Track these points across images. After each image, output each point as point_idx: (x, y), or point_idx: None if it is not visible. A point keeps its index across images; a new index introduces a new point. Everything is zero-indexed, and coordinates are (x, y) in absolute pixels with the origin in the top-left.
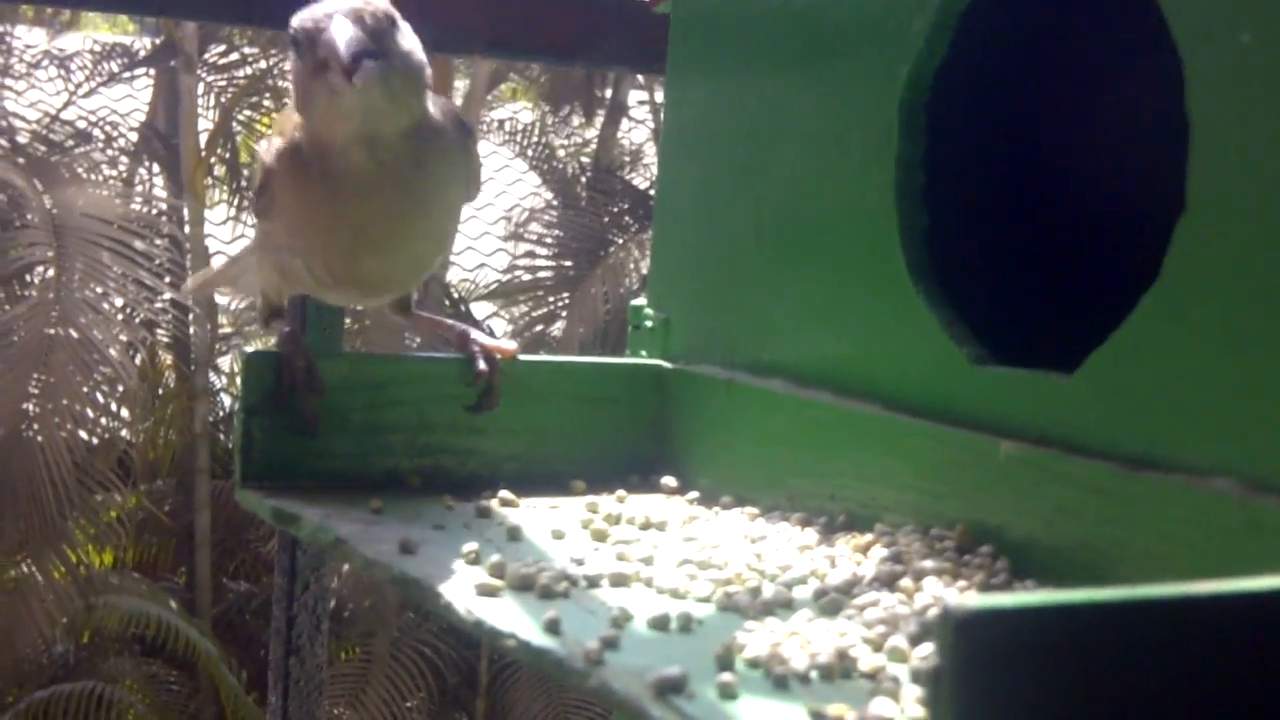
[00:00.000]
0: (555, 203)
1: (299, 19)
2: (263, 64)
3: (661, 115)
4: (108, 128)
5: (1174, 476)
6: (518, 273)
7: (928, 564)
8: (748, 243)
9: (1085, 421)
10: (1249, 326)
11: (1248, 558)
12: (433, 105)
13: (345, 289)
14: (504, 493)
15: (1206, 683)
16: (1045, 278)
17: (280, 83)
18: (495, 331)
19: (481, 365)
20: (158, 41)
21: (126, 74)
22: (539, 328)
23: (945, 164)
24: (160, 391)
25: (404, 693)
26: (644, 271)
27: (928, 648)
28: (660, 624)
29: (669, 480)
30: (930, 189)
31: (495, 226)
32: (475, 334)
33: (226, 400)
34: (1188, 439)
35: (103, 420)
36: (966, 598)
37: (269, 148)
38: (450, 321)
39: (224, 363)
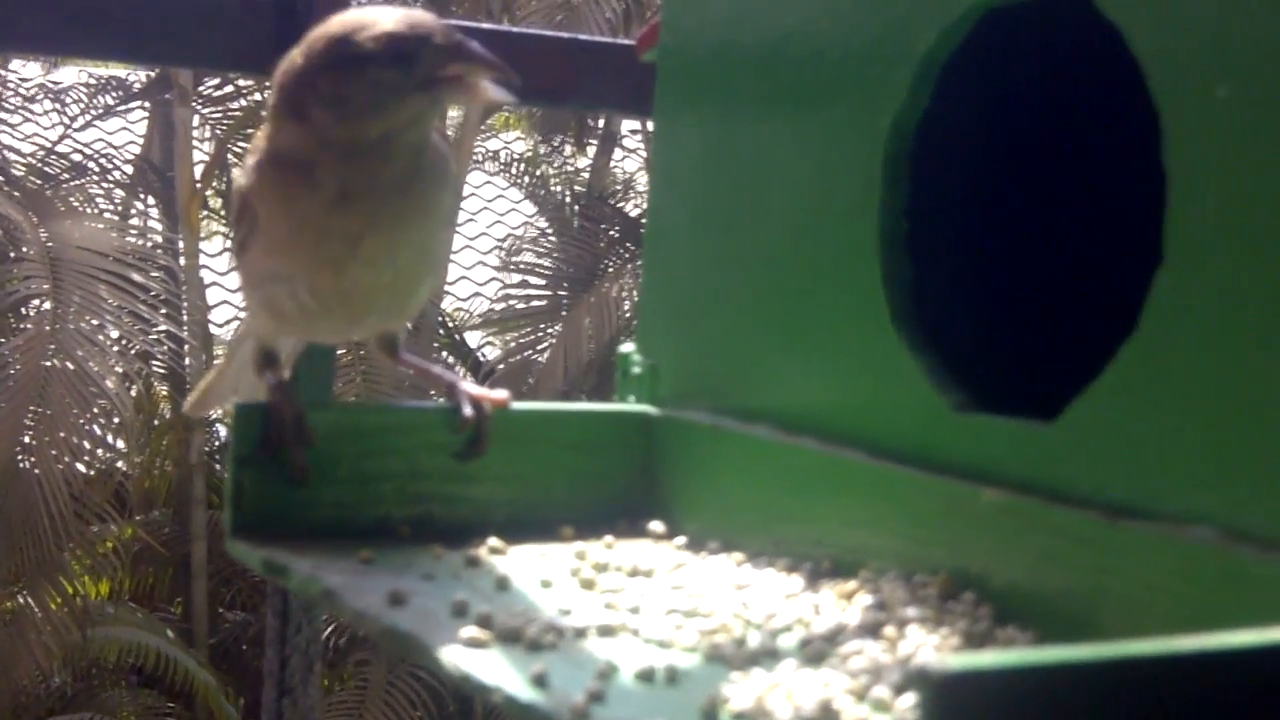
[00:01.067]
0: (548, 231)
1: (384, 32)
2: (257, 96)
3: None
4: (103, 161)
5: (1154, 525)
6: (511, 301)
7: (911, 611)
8: (735, 289)
9: (1067, 469)
10: (1226, 376)
11: (1227, 606)
12: None
13: (332, 314)
14: (493, 540)
15: None
16: (1027, 326)
17: None
18: (488, 360)
19: (468, 411)
20: (152, 75)
21: (121, 107)
22: (528, 353)
23: (929, 212)
24: (156, 423)
25: (402, 719)
26: (635, 299)
27: (910, 698)
28: (646, 676)
29: (657, 525)
30: (914, 237)
31: (489, 255)
32: (463, 384)
33: (222, 431)
34: (1168, 487)
35: (99, 451)
36: (943, 656)
37: (245, 170)
38: (438, 370)
39: None
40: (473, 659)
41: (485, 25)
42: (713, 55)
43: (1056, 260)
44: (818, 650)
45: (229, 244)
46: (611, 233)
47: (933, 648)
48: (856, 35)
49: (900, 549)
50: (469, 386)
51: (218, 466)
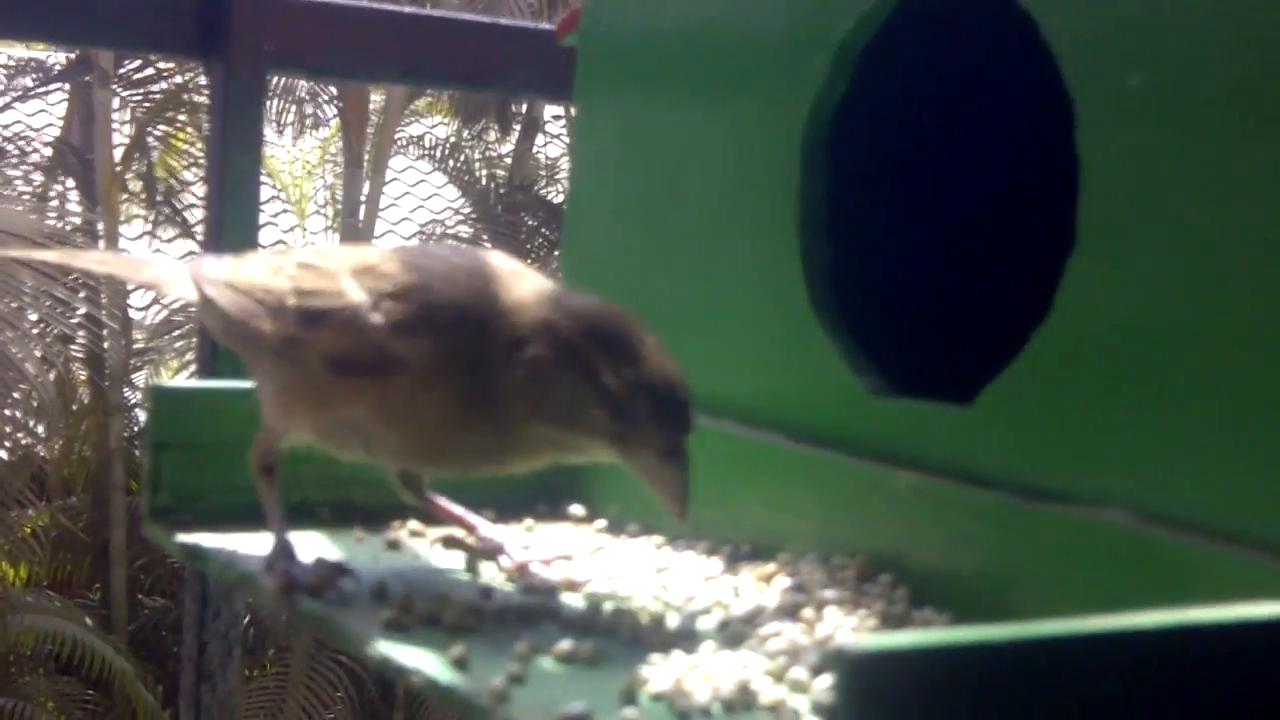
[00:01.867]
0: (472, 216)
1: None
2: (178, 79)
3: None
4: (22, 143)
5: (1068, 507)
6: None
7: (828, 593)
8: (655, 274)
9: (982, 453)
10: (1139, 359)
11: (1139, 587)
12: None
13: (408, 466)
14: (413, 524)
15: (1099, 716)
16: (946, 311)
17: (196, 98)
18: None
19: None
20: (72, 57)
21: (41, 89)
22: None
23: (848, 198)
24: (75, 407)
25: (324, 703)
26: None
27: (828, 679)
28: (566, 658)
29: (577, 509)
30: (832, 222)
31: (411, 241)
32: (512, 548)
33: (141, 416)
34: (1081, 470)
35: (18, 436)
36: (859, 636)
37: (396, 328)
38: (475, 519)
39: (139, 378)
40: (393, 642)
41: (407, 9)
42: (633, 41)
43: (975, 245)
44: (736, 632)
45: (149, 226)
46: (534, 220)
47: (850, 629)
48: (775, 21)
49: (818, 532)
50: (517, 552)
51: (137, 452)
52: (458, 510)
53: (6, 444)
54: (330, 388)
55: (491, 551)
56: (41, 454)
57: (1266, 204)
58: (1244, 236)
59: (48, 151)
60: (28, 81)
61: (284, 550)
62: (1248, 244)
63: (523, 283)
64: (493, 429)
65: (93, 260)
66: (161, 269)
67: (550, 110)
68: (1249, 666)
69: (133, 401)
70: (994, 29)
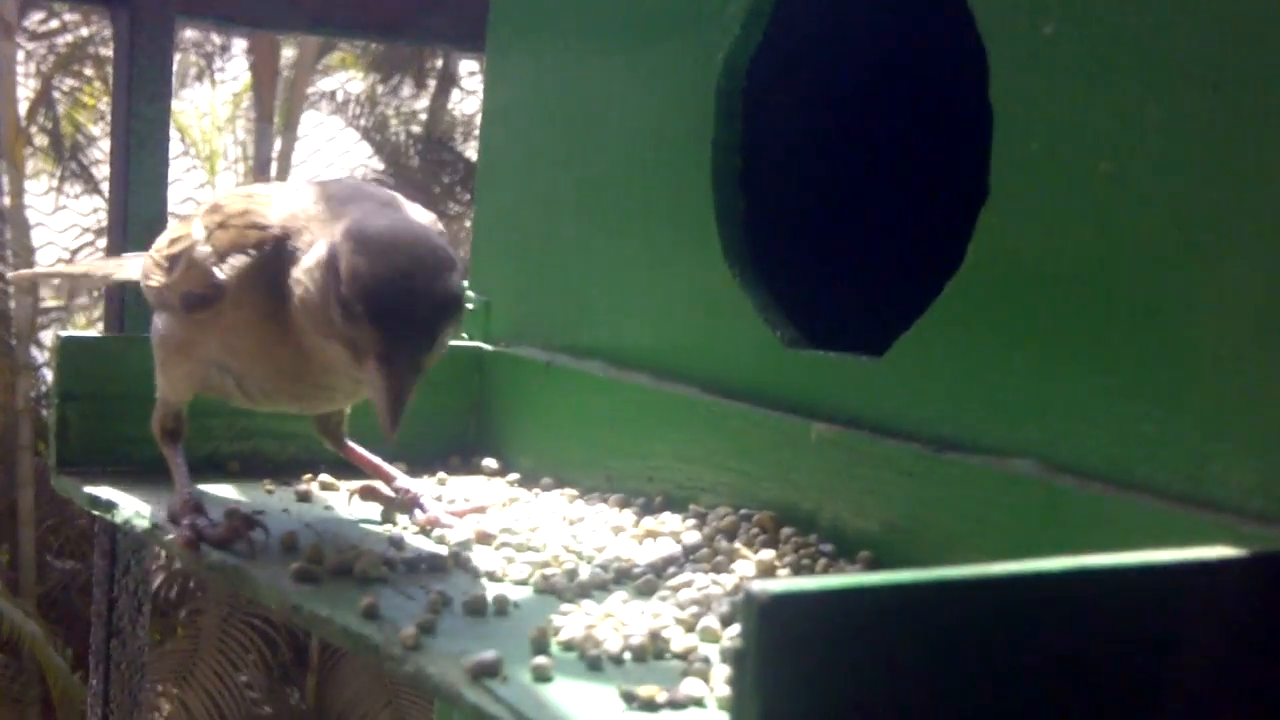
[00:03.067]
0: (387, 172)
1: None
2: (84, 31)
3: None
4: None
5: (977, 458)
6: None
7: (740, 544)
8: (568, 225)
9: (894, 404)
10: (1046, 312)
11: (1048, 536)
12: None
13: (278, 406)
14: (324, 476)
15: (1003, 660)
16: (860, 262)
17: (103, 51)
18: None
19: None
20: None
21: None
22: None
23: (763, 148)
24: None
25: (236, 665)
26: None
27: (738, 628)
28: (477, 608)
29: (490, 462)
30: (747, 173)
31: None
32: (427, 500)
33: (49, 375)
34: (990, 421)
35: None
36: (768, 582)
37: (220, 255)
38: (393, 470)
39: (46, 337)
40: (303, 592)
41: None
42: None
43: (891, 197)
44: (648, 583)
45: (55, 182)
46: (449, 176)
47: (760, 579)
48: None
49: (732, 483)
50: (434, 507)
51: (45, 412)
52: (376, 460)
53: None
54: (189, 328)
55: (408, 503)
56: None
57: (1175, 154)
58: (1152, 187)
59: None
60: None
61: (190, 504)
62: (1156, 195)
63: (367, 210)
64: (291, 345)
65: (68, 268)
66: (133, 262)
67: (466, 66)
68: (1150, 610)
69: (40, 361)
70: None
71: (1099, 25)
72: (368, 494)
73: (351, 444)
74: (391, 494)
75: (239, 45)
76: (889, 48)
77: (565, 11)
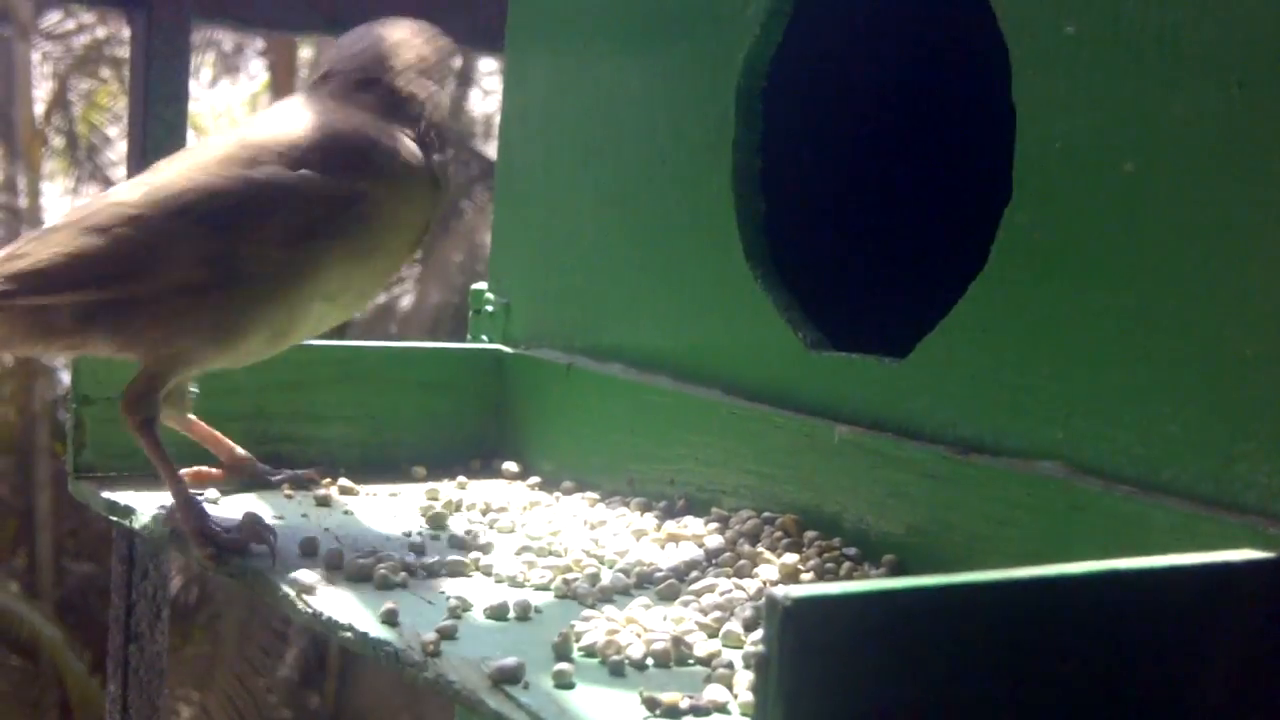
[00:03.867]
0: None
1: None
2: (100, 32)
3: None
4: None
5: (1001, 460)
6: None
7: (763, 548)
8: (588, 227)
9: (917, 406)
10: (1071, 313)
11: (1072, 538)
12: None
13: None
14: (344, 480)
15: (1028, 665)
16: (882, 263)
17: (119, 52)
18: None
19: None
20: None
21: None
22: (384, 299)
23: (783, 149)
24: None
25: (256, 669)
26: None
27: (761, 633)
28: (498, 613)
29: (510, 465)
30: (768, 174)
31: None
32: (261, 467)
33: (66, 377)
34: (1015, 423)
35: None
36: (792, 587)
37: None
38: (230, 443)
39: None
40: (323, 598)
41: None
42: None
43: (913, 198)
44: (670, 588)
45: (72, 182)
46: (468, 174)
47: (783, 583)
48: None
49: (755, 486)
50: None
51: (62, 414)
52: (215, 433)
53: None
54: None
55: (245, 470)
56: None
57: (1199, 152)
58: (1176, 185)
59: None
60: None
61: (190, 508)
62: (1180, 193)
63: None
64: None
65: None
66: None
67: (485, 65)
68: (1176, 612)
69: (57, 363)
70: None
71: (1121, 23)
72: (197, 478)
73: (193, 417)
74: (227, 460)
75: (256, 45)
76: (910, 47)
77: (583, 13)
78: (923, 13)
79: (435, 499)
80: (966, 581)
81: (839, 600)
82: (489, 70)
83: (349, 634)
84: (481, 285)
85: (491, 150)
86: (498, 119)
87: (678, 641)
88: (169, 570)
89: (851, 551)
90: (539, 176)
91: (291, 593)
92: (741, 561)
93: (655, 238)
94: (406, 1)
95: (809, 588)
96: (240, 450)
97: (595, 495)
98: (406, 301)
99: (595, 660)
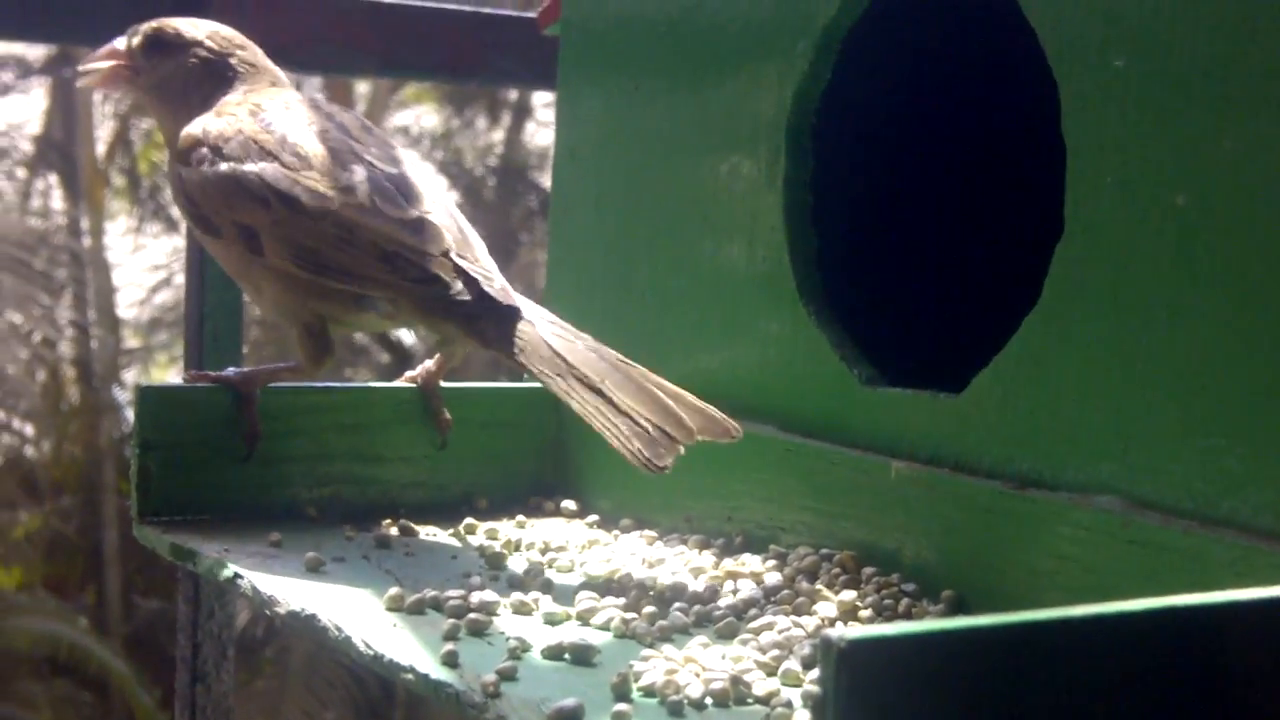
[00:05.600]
0: (464, 205)
1: None
2: None
3: None
4: (3, 139)
5: (1059, 495)
6: None
7: (821, 585)
8: (641, 263)
9: (974, 441)
10: (1127, 346)
11: (1131, 574)
12: None
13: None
14: (403, 521)
15: (1087, 704)
16: (935, 298)
17: None
18: (410, 343)
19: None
20: (52, 51)
21: (20, 83)
22: None
23: (835, 186)
24: (64, 408)
25: (323, 703)
26: None
27: (818, 671)
28: (557, 654)
29: (569, 504)
30: (819, 210)
31: None
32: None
33: (132, 415)
34: (1072, 457)
35: (6, 439)
36: (847, 628)
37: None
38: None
39: (128, 377)
40: (384, 639)
41: (388, 0)
42: (615, 28)
43: (964, 233)
44: (729, 626)
45: (135, 222)
46: (529, 204)
47: (842, 621)
48: (758, 7)
49: (811, 523)
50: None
51: (127, 452)
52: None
53: None
54: None
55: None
56: (31, 456)
57: (1251, 185)
58: (1230, 219)
59: (29, 148)
60: (7, 77)
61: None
62: (1233, 226)
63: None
64: None
65: None
66: None
67: (541, 97)
68: (1238, 650)
69: (123, 400)
70: (978, 13)
71: (1170, 57)
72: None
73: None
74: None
75: (313, 81)
76: (960, 82)
77: (634, 51)
78: (973, 48)
79: (495, 538)
80: (1022, 621)
81: (894, 641)
82: (543, 103)
83: (410, 675)
84: None
85: (547, 182)
86: (553, 150)
87: (736, 681)
88: (235, 609)
89: (910, 588)
90: (592, 214)
91: (353, 635)
92: (800, 599)
93: (709, 275)
94: (460, 43)
95: (864, 629)
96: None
97: (653, 533)
98: None
99: (654, 700)
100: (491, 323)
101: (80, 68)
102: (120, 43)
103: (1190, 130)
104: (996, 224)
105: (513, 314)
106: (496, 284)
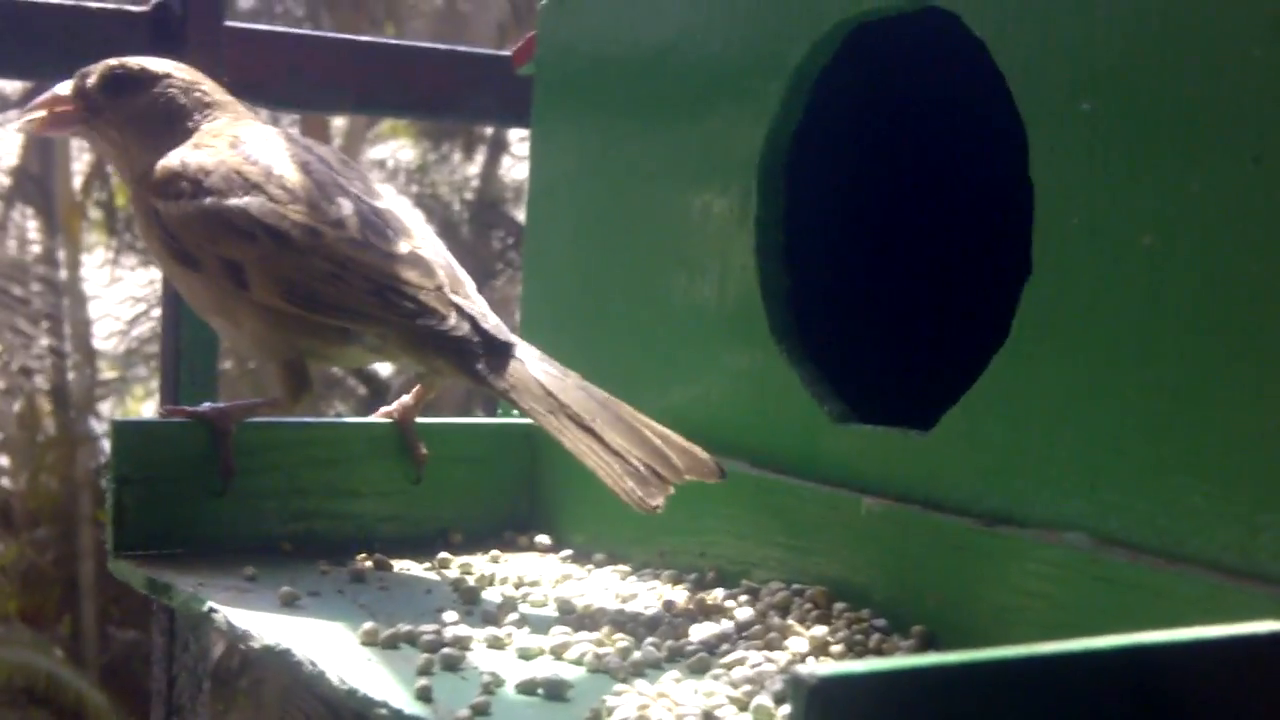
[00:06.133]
0: (438, 237)
1: None
2: None
3: None
4: None
5: (1028, 531)
6: None
7: (792, 620)
8: (615, 298)
9: (944, 478)
10: (1093, 386)
11: (1099, 610)
12: None
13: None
14: (378, 556)
15: None
16: (906, 337)
17: None
18: (386, 375)
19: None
20: (29, 84)
21: None
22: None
23: (807, 225)
24: (40, 439)
25: None
26: None
27: (789, 707)
28: (531, 689)
29: (543, 538)
30: (791, 248)
31: None
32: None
33: (108, 446)
34: (1040, 494)
35: None
36: (817, 665)
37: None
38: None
39: (104, 409)
40: (358, 674)
41: (362, 38)
42: (589, 67)
43: (933, 272)
44: (701, 661)
45: (111, 255)
46: (501, 241)
47: (813, 656)
48: (730, 48)
49: (784, 558)
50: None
51: (103, 483)
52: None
53: None
54: None
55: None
56: (7, 486)
57: (1217, 227)
58: (1196, 260)
59: (5, 180)
60: None
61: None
62: (1199, 268)
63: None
64: None
65: None
66: None
67: (517, 132)
68: (1203, 686)
69: (99, 432)
70: (947, 56)
71: (1137, 100)
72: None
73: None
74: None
75: (289, 117)
76: (930, 124)
77: (608, 90)
78: (942, 90)
79: (469, 573)
80: (990, 658)
81: (863, 678)
82: (519, 137)
83: (384, 711)
84: None
85: (521, 215)
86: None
87: (708, 716)
88: (210, 642)
89: (881, 623)
90: (566, 252)
91: (327, 670)
92: (771, 634)
93: (682, 312)
94: (435, 80)
95: (834, 666)
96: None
97: (627, 568)
98: None
99: None
100: (484, 358)
101: (21, 115)
102: (65, 87)
103: (1157, 172)
104: (965, 263)
105: (506, 350)
106: (490, 320)
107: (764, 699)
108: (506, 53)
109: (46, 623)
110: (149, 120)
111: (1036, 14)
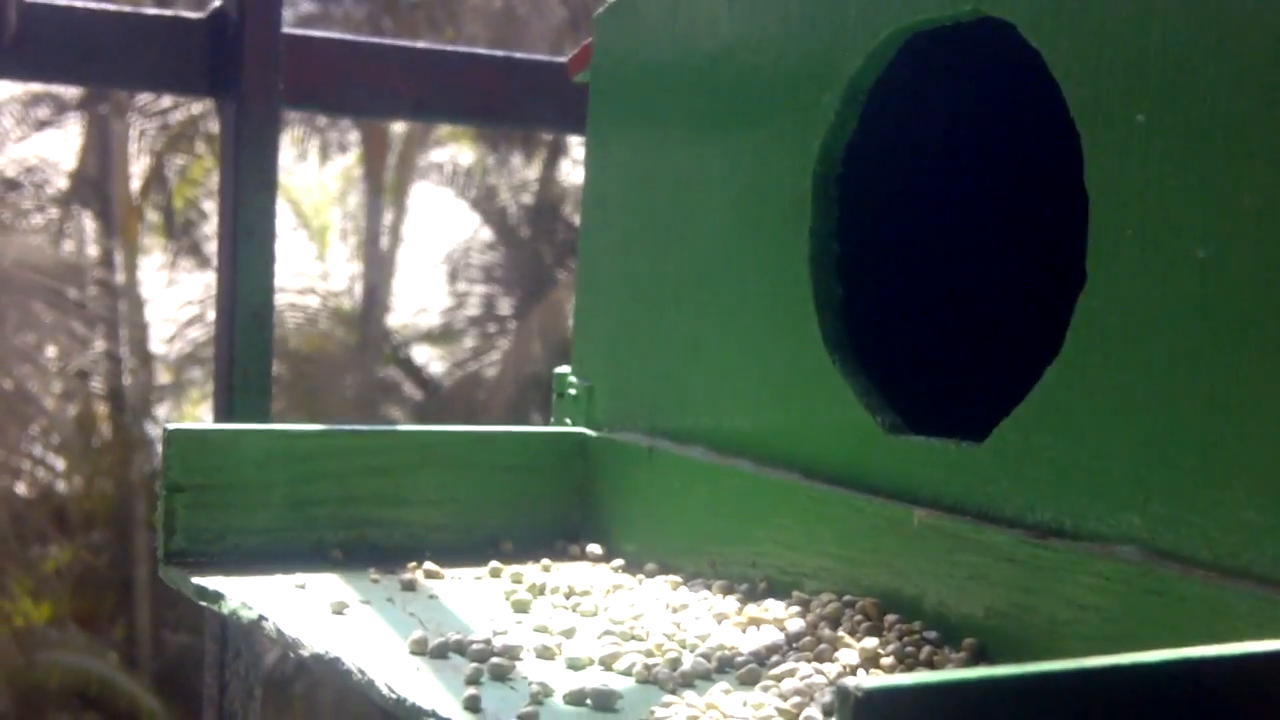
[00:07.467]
0: (495, 243)
1: None
2: (195, 108)
3: None
4: (38, 175)
5: (1080, 544)
6: (460, 312)
7: (843, 632)
8: (669, 311)
9: (996, 490)
10: (1146, 398)
11: (1150, 623)
12: None
13: None
14: (428, 564)
15: None
16: (959, 347)
17: (213, 127)
18: (434, 375)
19: None
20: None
21: (56, 120)
22: (474, 366)
23: (860, 235)
24: (96, 442)
25: None
26: None
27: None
28: (579, 699)
29: (594, 548)
30: (845, 259)
31: (436, 269)
32: None
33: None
34: (1093, 507)
35: (38, 472)
36: (863, 678)
37: None
38: None
39: (160, 412)
40: (407, 683)
41: (420, 44)
42: (644, 77)
43: (987, 282)
44: (751, 672)
45: (169, 257)
46: (560, 245)
47: (863, 668)
48: (785, 59)
49: (835, 569)
50: None
51: (158, 487)
52: None
53: (28, 480)
54: None
55: None
56: (63, 490)
57: (1272, 238)
58: (1249, 272)
59: (64, 183)
60: (42, 113)
61: None
62: (1253, 279)
63: None
64: None
65: None
66: None
67: (576, 136)
68: (1255, 702)
69: (154, 436)
70: (1002, 67)
71: (1191, 112)
72: None
73: None
74: None
75: (345, 122)
76: (985, 135)
77: (663, 101)
78: (997, 100)
79: (519, 582)
80: (1038, 672)
81: (909, 691)
82: (578, 142)
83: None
84: (565, 369)
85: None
86: None
87: None
88: (262, 649)
89: (932, 635)
90: (619, 261)
91: (376, 679)
92: (822, 645)
93: (734, 323)
94: (491, 87)
95: (879, 678)
96: None
97: (678, 578)
98: (493, 369)
99: None
100: None
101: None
102: None
103: (1211, 183)
104: (1019, 274)
105: None
106: None
107: (813, 711)
108: (562, 59)
109: (101, 626)
110: None
111: (1092, 25)
